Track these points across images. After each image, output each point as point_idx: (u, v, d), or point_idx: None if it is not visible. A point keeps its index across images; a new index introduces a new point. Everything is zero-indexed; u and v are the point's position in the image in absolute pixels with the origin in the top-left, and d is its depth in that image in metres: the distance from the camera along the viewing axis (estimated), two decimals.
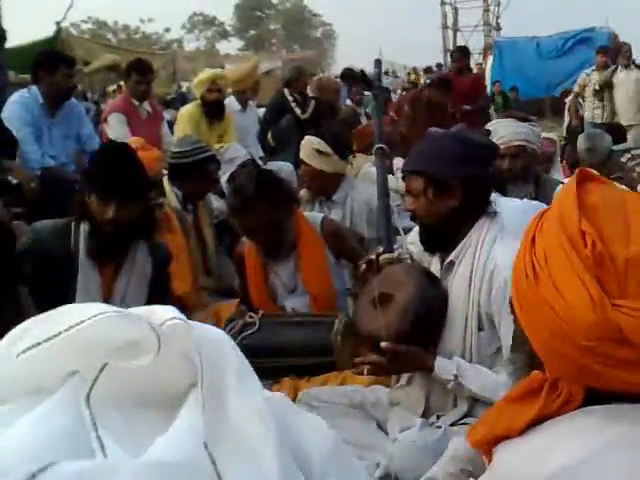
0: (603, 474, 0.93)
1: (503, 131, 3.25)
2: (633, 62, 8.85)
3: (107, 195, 2.52)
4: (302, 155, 3.68)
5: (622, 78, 8.63)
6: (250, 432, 0.81)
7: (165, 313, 0.83)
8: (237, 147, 5.11)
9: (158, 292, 2.75)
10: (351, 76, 3.00)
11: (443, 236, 2.21)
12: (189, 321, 0.83)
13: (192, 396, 0.80)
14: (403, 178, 2.30)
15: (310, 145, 3.64)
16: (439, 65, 19.07)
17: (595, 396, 1.00)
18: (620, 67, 8.70)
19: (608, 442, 0.95)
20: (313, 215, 3.21)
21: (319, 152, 3.60)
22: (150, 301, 2.66)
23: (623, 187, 3.85)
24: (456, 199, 2.14)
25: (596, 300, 0.92)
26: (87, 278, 2.63)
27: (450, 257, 2.20)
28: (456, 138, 2.22)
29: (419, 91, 7.64)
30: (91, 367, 0.80)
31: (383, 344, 2.07)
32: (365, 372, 2.19)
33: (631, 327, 0.91)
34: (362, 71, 3.05)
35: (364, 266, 2.43)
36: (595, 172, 1.10)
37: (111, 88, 11.19)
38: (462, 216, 2.16)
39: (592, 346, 0.93)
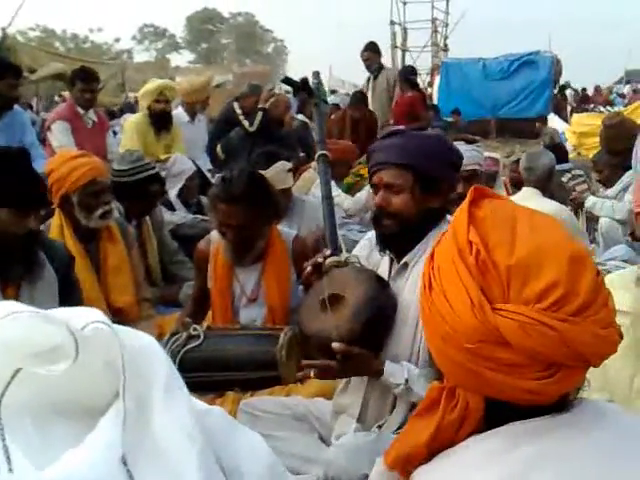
0: None
1: None
2: (382, 67, 7.82)
3: (26, 205, 2.35)
4: (276, 183, 3.60)
5: (373, 86, 7.82)
6: (174, 449, 0.76)
7: (88, 316, 0.77)
8: (184, 159, 5.06)
9: (69, 298, 2.60)
10: (291, 84, 3.03)
11: (408, 236, 2.15)
12: (114, 326, 0.78)
13: (114, 407, 0.75)
14: (375, 172, 2.17)
15: (283, 169, 3.76)
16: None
17: (498, 411, 1.03)
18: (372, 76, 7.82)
19: (512, 469, 0.97)
20: (288, 231, 3.19)
21: (289, 170, 3.80)
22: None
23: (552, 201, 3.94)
24: (439, 200, 2.12)
25: (476, 304, 0.96)
26: None
27: (404, 259, 2.17)
28: (441, 140, 2.23)
29: (342, 112, 7.93)
30: (2, 372, 0.74)
31: (335, 345, 2.00)
32: (312, 374, 2.13)
33: (508, 329, 0.94)
34: (305, 79, 3.08)
35: (309, 268, 2.32)
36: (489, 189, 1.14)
37: (57, 98, 10.98)
38: (433, 219, 2.13)
39: (474, 348, 0.97)
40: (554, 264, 0.96)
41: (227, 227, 2.87)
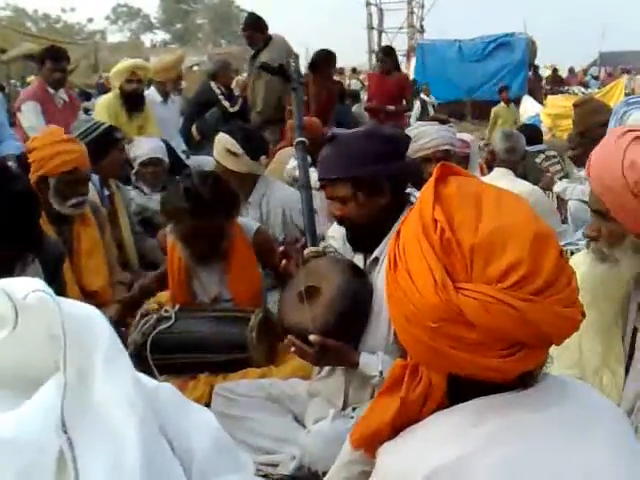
0: (475, 473, 0.96)
1: (431, 135, 3.21)
2: (269, 39, 5.83)
3: (9, 248, 2.18)
4: (215, 154, 3.55)
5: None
6: (114, 416, 0.76)
7: (29, 285, 0.75)
8: (145, 143, 4.84)
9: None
10: (268, 69, 2.97)
11: (372, 234, 2.19)
12: (56, 296, 0.76)
13: (54, 377, 0.74)
14: (322, 187, 2.25)
15: (222, 144, 3.51)
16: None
17: (461, 388, 1.03)
18: None
19: (477, 443, 0.98)
20: (249, 223, 3.10)
21: (229, 152, 3.48)
22: None
23: (524, 181, 3.95)
24: (386, 197, 2.14)
25: (439, 283, 0.96)
26: None
27: (375, 253, 2.19)
28: (372, 136, 2.18)
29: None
30: None
31: (312, 337, 2.04)
32: (292, 349, 2.15)
33: (471, 308, 0.95)
34: (281, 65, 3.03)
35: (284, 262, 2.40)
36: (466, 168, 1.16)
37: (29, 79, 10.79)
38: (391, 211, 2.15)
39: (438, 327, 0.97)
40: (517, 243, 0.96)
41: (198, 239, 2.77)
